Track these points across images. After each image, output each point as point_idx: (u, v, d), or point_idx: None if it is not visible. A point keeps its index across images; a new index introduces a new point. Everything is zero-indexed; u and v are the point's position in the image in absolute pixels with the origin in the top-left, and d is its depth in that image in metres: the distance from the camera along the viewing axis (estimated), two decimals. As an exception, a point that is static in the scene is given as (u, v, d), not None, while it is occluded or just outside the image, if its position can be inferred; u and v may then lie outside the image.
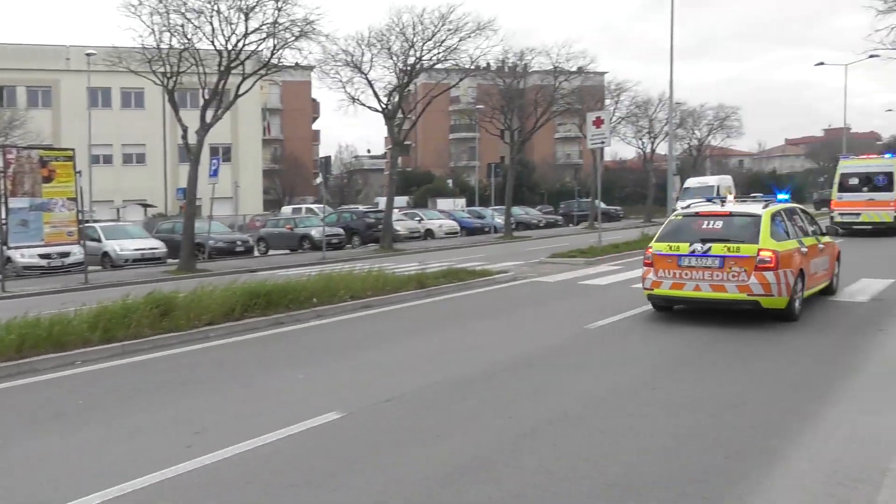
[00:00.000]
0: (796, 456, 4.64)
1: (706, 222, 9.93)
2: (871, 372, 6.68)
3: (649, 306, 10.29)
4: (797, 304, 9.55)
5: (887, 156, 24.47)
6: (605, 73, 56.22)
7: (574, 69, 32.56)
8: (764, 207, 10.14)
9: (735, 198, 11.37)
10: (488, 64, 33.12)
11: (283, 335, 9.13)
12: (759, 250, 9.29)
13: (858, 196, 23.01)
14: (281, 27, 19.05)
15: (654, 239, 10.13)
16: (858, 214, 22.54)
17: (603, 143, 19.70)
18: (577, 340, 8.31)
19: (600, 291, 12.43)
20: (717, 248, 9.47)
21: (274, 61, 19.47)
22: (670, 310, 10.22)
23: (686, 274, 9.62)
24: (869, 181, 22.99)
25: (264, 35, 19.00)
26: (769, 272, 9.23)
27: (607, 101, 44.02)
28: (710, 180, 31.94)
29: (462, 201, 44.42)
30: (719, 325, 9.09)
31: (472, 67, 26.58)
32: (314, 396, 6.16)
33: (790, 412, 5.51)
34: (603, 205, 41.36)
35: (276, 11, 19.04)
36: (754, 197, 11.34)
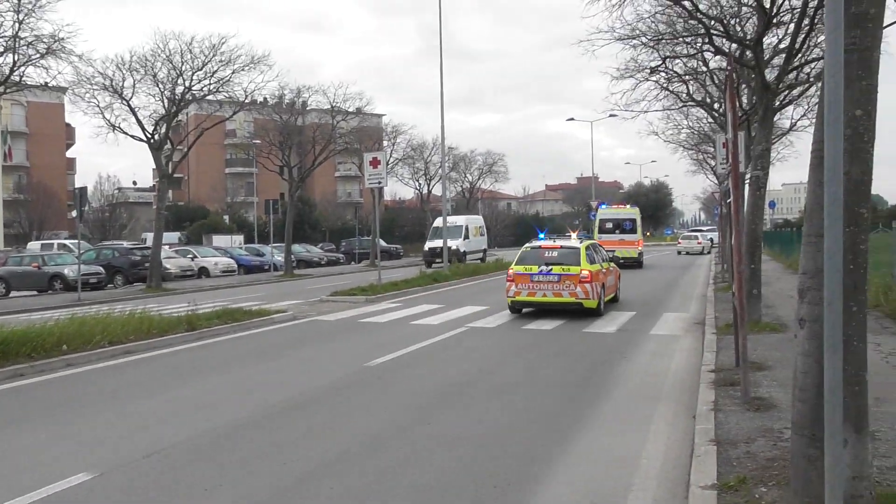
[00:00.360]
0: (556, 481, 4.98)
1: (546, 252, 14.66)
2: (616, 397, 7.34)
3: (428, 342, 10.99)
4: (602, 304, 14.36)
5: (627, 206, 32.98)
6: (383, 115, 58.54)
7: (352, 109, 33.16)
8: (580, 242, 15.13)
9: (574, 234, 17.12)
10: (265, 98, 32.39)
11: (23, 389, 8.39)
12: (581, 270, 14.12)
13: (613, 237, 29.08)
14: (23, 42, 17.67)
15: (513, 263, 14.69)
16: (614, 251, 27.35)
17: (380, 182, 20.11)
18: (357, 378, 8.38)
19: (381, 329, 12.72)
20: (556, 269, 14.25)
21: (15, 78, 18.00)
22: (520, 312, 14.62)
23: (536, 287, 14.19)
24: (620, 226, 29.93)
25: (1, 49, 17.56)
26: (587, 284, 13.98)
27: (385, 143, 45.36)
28: (459, 220, 35.46)
29: (240, 238, 43.79)
30: (490, 359, 9.67)
31: (247, 101, 25.67)
32: (60, 457, 5.63)
33: (549, 440, 5.88)
34: (383, 243, 42.68)
35: (17, 24, 17.58)
36: (569, 236, 16.68)
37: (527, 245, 15.59)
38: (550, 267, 14.56)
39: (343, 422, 6.50)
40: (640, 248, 29.43)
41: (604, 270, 15.27)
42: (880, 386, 6.85)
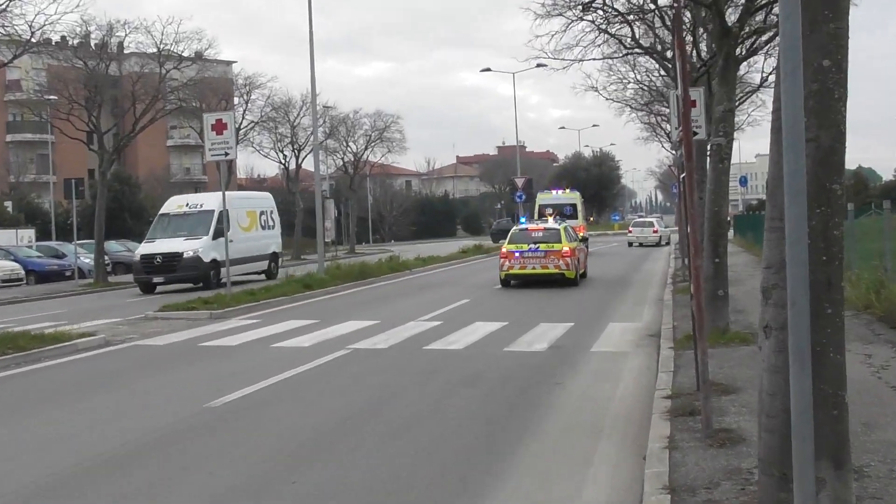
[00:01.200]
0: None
1: (533, 233, 23.70)
2: (546, 432, 7.68)
3: (297, 370, 11.18)
4: (578, 276, 23.45)
5: (567, 191, 43.39)
6: (233, 62, 57.62)
7: (188, 54, 32.78)
8: (558, 224, 24.78)
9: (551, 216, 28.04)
10: (62, 38, 30.69)
11: None
12: (563, 247, 22.97)
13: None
14: None
15: (506, 243, 23.78)
16: None
17: (227, 153, 19.80)
18: (195, 424, 8.36)
19: (231, 354, 12.89)
20: (543, 246, 22.99)
21: None
22: (509, 284, 23.59)
23: (527, 261, 23.03)
24: (560, 212, 36.23)
25: None
26: (569, 258, 22.90)
27: (235, 100, 44.23)
28: (202, 200, 28.41)
29: (30, 233, 42.14)
30: (384, 388, 9.95)
31: (35, 40, 24.66)
32: None
33: (461, 491, 6.06)
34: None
35: None
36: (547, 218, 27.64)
37: (516, 227, 25.27)
38: (538, 244, 23.22)
39: (174, 483, 6.39)
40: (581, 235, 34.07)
41: (579, 248, 24.70)
42: (870, 408, 7.21)
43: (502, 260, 23.39)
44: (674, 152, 23.57)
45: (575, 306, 18.44)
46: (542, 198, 40.98)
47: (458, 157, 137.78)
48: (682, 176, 8.55)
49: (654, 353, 11.79)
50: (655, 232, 49.16)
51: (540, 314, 16.82)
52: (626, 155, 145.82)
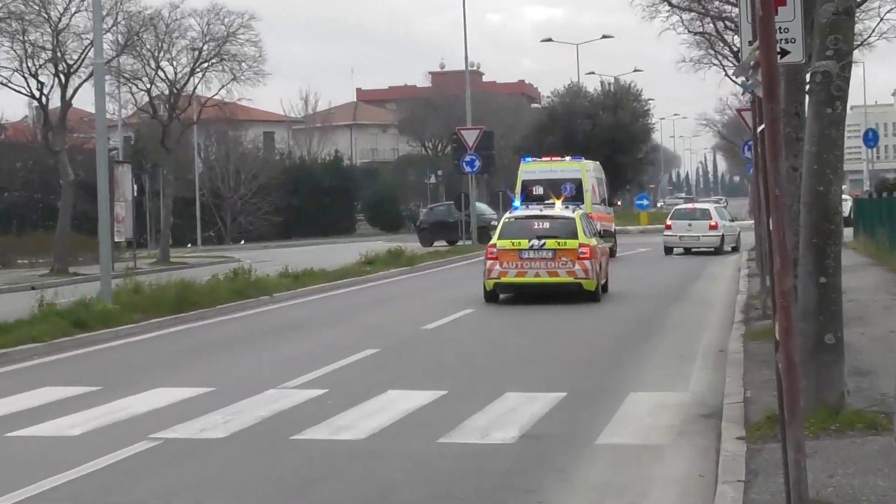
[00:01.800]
0: None
1: (536, 223, 28.47)
2: None
3: (40, 488, 10.99)
4: (600, 288, 28.15)
5: (567, 158, 47.82)
6: None
7: None
8: (572, 211, 29.36)
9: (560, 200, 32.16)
10: None
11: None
12: (579, 244, 27.29)
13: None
14: None
15: (496, 237, 28.40)
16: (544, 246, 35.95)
17: None
18: None
19: None
20: (550, 244, 27.24)
21: None
22: (497, 300, 28.20)
23: (527, 265, 27.32)
24: (555, 191, 39.96)
25: None
26: (587, 261, 27.08)
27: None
28: None
29: None
30: None
31: None
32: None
33: None
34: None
35: None
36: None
37: (509, 215, 29.77)
38: (543, 241, 27.23)
39: None
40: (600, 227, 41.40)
41: (600, 246, 28.75)
42: None
43: (490, 262, 27.95)
44: (744, 87, 23.73)
45: (570, 356, 19.34)
46: (528, 169, 46.52)
47: (359, 91, 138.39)
48: (759, 130, 8.20)
49: (709, 449, 11.94)
50: (714, 227, 50.38)
51: (507, 372, 17.49)
52: (662, 90, 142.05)
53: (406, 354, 20.26)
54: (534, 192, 42.89)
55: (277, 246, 72.48)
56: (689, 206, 59.93)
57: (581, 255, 26.62)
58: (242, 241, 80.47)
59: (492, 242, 28.32)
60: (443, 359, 19.52)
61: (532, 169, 46.14)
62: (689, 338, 21.72)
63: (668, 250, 50.52)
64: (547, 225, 27.67)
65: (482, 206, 66.29)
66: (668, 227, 51.89)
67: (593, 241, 27.48)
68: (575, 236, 27.07)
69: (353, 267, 40.40)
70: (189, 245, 74.08)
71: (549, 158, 48.47)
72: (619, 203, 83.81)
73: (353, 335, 23.05)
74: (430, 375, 17.36)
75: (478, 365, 18.59)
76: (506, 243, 27.22)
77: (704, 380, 16.54)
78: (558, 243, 26.87)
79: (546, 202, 34.22)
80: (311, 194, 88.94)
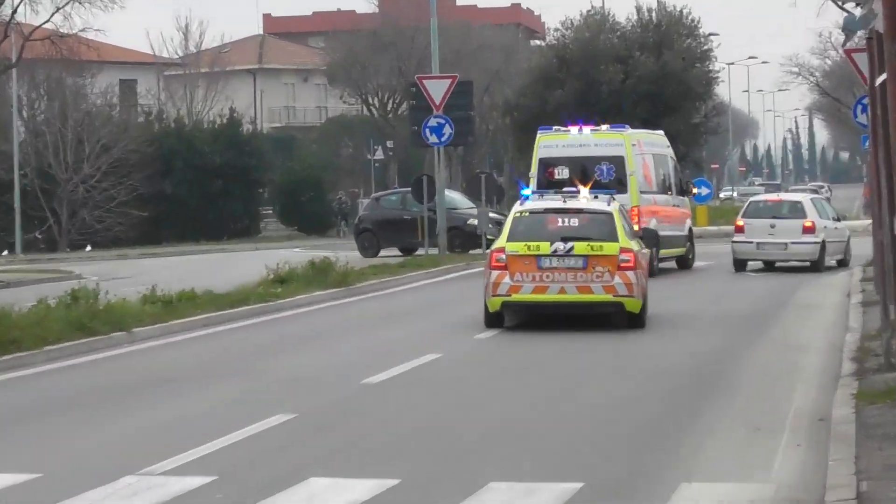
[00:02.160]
0: None
1: (561, 219, 30.06)
2: None
3: None
4: (646, 309, 30.17)
5: (604, 128, 48.42)
6: None
7: None
8: (608, 204, 30.75)
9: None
10: None
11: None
12: (620, 248, 28.85)
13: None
14: None
15: (504, 238, 29.95)
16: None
17: None
18: None
19: None
20: (580, 248, 28.83)
21: None
22: (500, 324, 30.02)
23: (549, 276, 28.94)
24: (586, 175, 41.44)
25: None
26: (631, 272, 28.75)
27: None
28: None
29: None
30: None
31: None
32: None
33: None
34: None
35: None
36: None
37: (521, 208, 30.82)
38: (571, 244, 28.40)
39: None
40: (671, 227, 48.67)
41: (642, 252, 30.13)
42: None
43: (496, 273, 29.19)
44: (848, 27, 25.17)
45: (590, 424, 18.64)
46: (547, 143, 47.35)
47: (267, 20, 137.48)
48: (878, 81, 7.17)
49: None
50: (810, 230, 48.32)
51: (491, 450, 16.76)
52: (731, 22, 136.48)
53: (337, 423, 19.36)
54: (556, 176, 43.39)
55: (141, 255, 70.99)
56: (773, 197, 57.24)
57: (623, 264, 27.67)
58: (88, 248, 78.18)
59: (497, 246, 29.44)
60: (394, 429, 18.43)
61: (553, 142, 46.08)
62: (772, 398, 20.73)
63: (740, 265, 48.23)
64: (575, 221, 28.92)
65: (454, 196, 64.29)
66: (740, 230, 49.07)
67: (636, 246, 28.52)
68: (614, 238, 28.13)
69: (257, 288, 38.87)
70: (4, 253, 73.37)
71: (578, 129, 46.50)
72: (694, 189, 74.06)
73: (255, 393, 22.29)
74: (375, 455, 16.41)
75: (446, 439, 17.54)
76: (518, 247, 28.32)
77: (796, 464, 15.46)
78: (591, 247, 27.93)
79: (566, 190, 33.77)
80: (192, 176, 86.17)
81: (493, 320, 28.87)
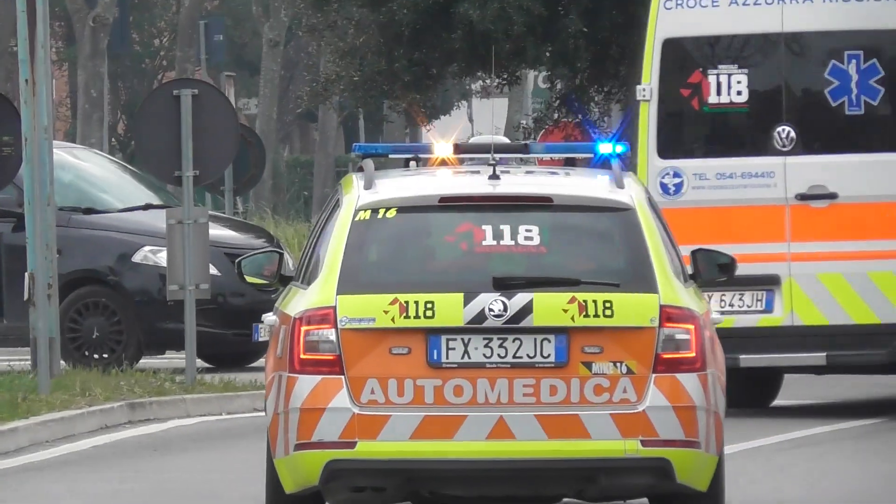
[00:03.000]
0: None
1: (488, 231, 12.88)
2: None
3: None
4: (722, 481, 13.44)
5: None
6: None
7: None
8: (618, 185, 13.70)
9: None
10: None
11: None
12: (664, 309, 12.18)
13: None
14: None
15: (328, 282, 12.70)
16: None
17: None
18: None
19: None
20: (547, 306, 12.26)
21: None
22: None
23: (460, 389, 12.16)
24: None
25: None
26: (690, 374, 12.15)
27: None
28: None
29: None
30: None
31: None
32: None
33: None
34: None
35: None
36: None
37: (370, 198, 13.42)
38: (520, 295, 12.48)
39: None
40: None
41: (710, 316, 13.87)
42: None
43: (308, 381, 12.02)
44: None
45: None
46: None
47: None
48: None
49: None
50: None
51: None
52: None
53: None
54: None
55: None
56: None
57: (669, 353, 11.18)
58: None
59: (311, 302, 11.32)
60: None
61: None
62: None
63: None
64: (529, 234, 11.82)
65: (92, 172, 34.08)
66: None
67: (695, 302, 11.74)
68: (645, 277, 11.48)
69: None
70: None
71: None
72: None
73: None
74: None
75: None
76: (373, 307, 11.36)
77: None
78: (579, 306, 11.42)
79: (493, 159, 13.48)
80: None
81: None
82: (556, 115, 44.39)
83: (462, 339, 11.80)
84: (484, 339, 11.79)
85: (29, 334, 22.09)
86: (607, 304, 11.82)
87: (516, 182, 13.51)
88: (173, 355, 27.70)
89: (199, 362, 25.39)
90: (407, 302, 12.00)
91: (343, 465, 11.86)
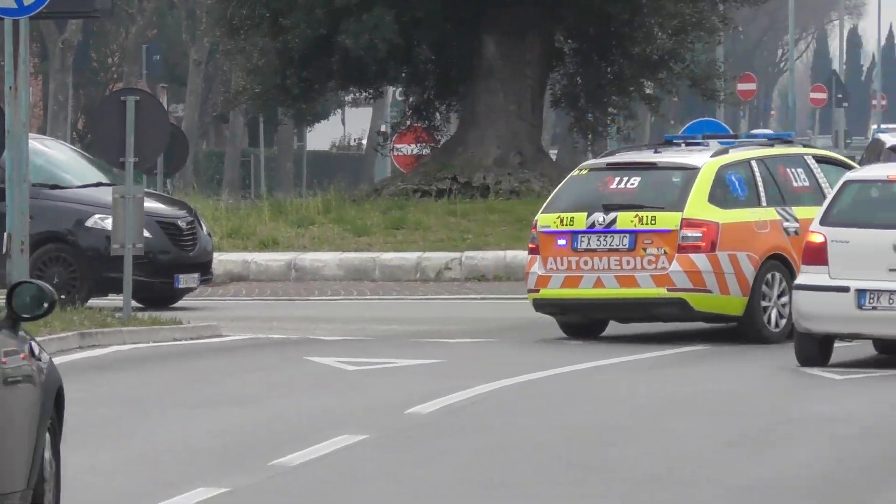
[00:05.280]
0: None
1: (616, 179, 18.41)
2: None
3: None
4: (773, 314, 17.03)
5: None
6: None
7: None
8: (713, 155, 18.26)
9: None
10: None
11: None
12: (684, 220, 17.23)
13: None
14: None
15: (542, 208, 19.57)
16: None
17: None
18: None
19: None
20: (624, 220, 17.80)
21: None
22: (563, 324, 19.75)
23: (582, 260, 18.08)
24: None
25: None
26: (699, 254, 17.15)
27: None
28: None
29: None
30: None
31: None
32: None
33: None
34: None
35: None
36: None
37: (582, 165, 20.45)
38: (614, 214, 17.78)
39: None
40: None
41: (790, 225, 17.35)
42: None
43: (530, 257, 18.79)
44: None
45: None
46: None
47: None
48: None
49: None
50: None
51: None
52: None
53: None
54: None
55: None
56: None
57: (686, 243, 16.50)
58: None
59: (536, 220, 18.51)
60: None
61: None
62: None
63: (813, 347, 16.44)
64: (635, 182, 17.60)
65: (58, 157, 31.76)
66: (815, 255, 16.69)
67: (746, 215, 16.87)
68: (680, 205, 16.87)
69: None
70: None
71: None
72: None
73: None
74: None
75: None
76: (551, 220, 18.11)
77: None
78: (640, 219, 17.31)
79: (677, 142, 20.70)
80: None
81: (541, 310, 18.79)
82: (408, 122, 43.88)
83: (585, 237, 17.98)
84: (595, 236, 17.96)
85: (6, 279, 21.43)
86: (653, 219, 17.58)
87: (646, 156, 19.13)
88: (114, 297, 26.58)
89: (134, 303, 25.02)
90: (562, 218, 18.29)
91: (539, 300, 18.93)
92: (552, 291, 17.97)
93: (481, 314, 27.31)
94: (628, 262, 17.29)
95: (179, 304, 28.09)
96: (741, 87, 73.61)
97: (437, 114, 42.42)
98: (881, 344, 17.25)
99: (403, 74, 42.09)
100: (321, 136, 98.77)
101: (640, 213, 17.40)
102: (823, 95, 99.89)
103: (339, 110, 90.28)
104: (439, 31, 39.41)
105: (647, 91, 43.57)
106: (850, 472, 9.86)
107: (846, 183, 16.70)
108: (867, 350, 17.16)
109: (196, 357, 21.29)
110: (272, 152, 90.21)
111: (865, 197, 16.91)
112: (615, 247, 17.39)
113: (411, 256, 32.75)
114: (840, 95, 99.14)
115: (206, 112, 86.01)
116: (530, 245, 18.50)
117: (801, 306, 16.51)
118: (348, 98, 56.75)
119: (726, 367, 16.93)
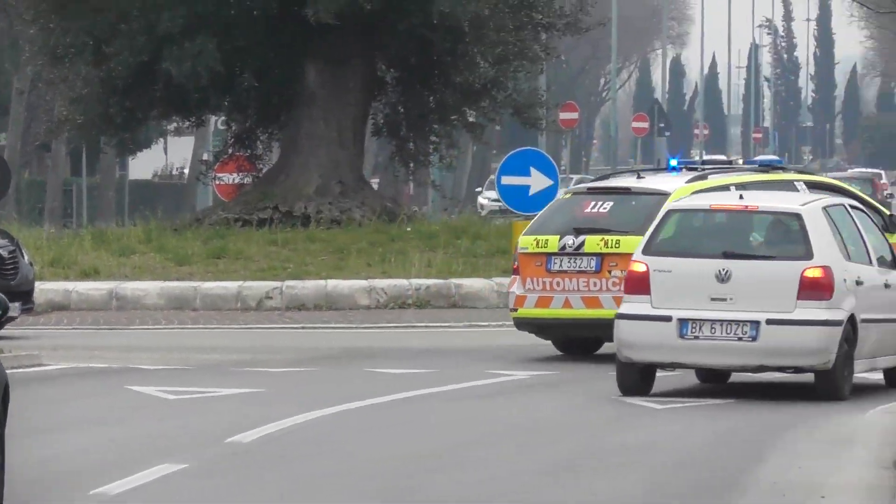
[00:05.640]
0: None
1: (592, 203, 19.56)
2: None
3: None
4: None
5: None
6: None
7: None
8: (690, 181, 19.21)
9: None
10: None
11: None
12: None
13: None
14: None
15: (525, 230, 20.64)
16: None
17: None
18: None
19: None
20: (591, 244, 18.73)
21: None
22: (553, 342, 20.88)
23: (553, 282, 19.13)
24: None
25: None
26: None
27: None
28: None
29: None
30: None
31: None
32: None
33: None
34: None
35: None
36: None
37: (567, 189, 24.60)
38: (583, 238, 18.61)
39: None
40: None
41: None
42: None
43: (512, 276, 19.97)
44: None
45: None
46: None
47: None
48: None
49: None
50: (818, 288, 16.42)
51: None
52: None
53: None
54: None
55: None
56: (726, 202, 18.14)
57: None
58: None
59: (518, 240, 20.23)
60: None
61: None
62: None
63: (634, 376, 16.20)
64: (606, 206, 18.42)
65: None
66: (637, 285, 16.51)
67: None
68: (643, 230, 15.72)
69: None
70: None
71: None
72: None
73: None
74: None
75: None
76: (529, 241, 19.12)
77: None
78: (605, 242, 17.97)
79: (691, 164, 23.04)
80: None
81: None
82: (230, 151, 42.27)
83: (558, 258, 19.08)
84: (566, 257, 19.05)
85: None
86: (617, 242, 18.30)
87: (638, 181, 20.01)
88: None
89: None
90: (538, 240, 19.33)
91: (517, 320, 19.85)
92: (528, 311, 19.24)
93: (302, 343, 27.26)
94: (595, 284, 18.50)
95: (0, 333, 26.41)
96: (563, 115, 73.38)
97: (259, 142, 41.18)
98: (703, 373, 17.58)
99: (226, 103, 40.66)
100: (143, 165, 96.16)
101: (606, 237, 18.49)
102: (645, 125, 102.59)
103: (162, 139, 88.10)
104: (262, 59, 38.52)
105: (470, 119, 42.56)
106: (662, 500, 9.80)
107: (669, 212, 16.90)
108: (690, 379, 17.31)
109: (17, 386, 19.73)
110: (94, 181, 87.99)
111: (688, 226, 17.04)
112: (583, 269, 18.60)
113: (232, 286, 32.07)
114: (662, 124, 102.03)
115: (28, 141, 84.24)
116: (513, 265, 20.13)
117: (623, 335, 16.20)
118: (171, 127, 55.57)
119: (548, 397, 16.74)
